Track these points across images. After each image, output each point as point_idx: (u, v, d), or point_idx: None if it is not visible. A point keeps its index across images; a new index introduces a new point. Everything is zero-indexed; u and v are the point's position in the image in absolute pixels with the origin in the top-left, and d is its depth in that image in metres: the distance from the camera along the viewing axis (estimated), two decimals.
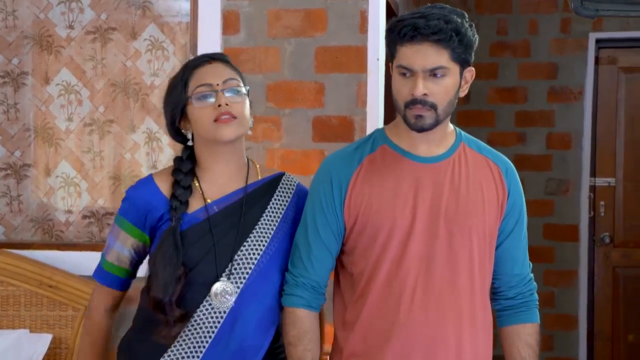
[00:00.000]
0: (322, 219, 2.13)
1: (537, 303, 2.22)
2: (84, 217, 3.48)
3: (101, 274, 2.26)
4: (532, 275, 2.23)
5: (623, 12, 3.38)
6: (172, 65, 3.37)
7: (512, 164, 2.21)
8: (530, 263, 2.23)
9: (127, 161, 3.43)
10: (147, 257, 2.22)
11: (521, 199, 2.19)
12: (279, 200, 2.22)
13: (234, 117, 2.11)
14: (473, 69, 2.08)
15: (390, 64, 2.12)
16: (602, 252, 5.24)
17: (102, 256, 2.26)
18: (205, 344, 2.09)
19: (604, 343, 5.22)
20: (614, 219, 5.22)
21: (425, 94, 2.00)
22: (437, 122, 2.04)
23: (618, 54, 5.24)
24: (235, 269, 2.11)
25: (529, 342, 2.18)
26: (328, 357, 2.26)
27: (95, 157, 3.47)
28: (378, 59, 3.11)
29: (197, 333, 2.09)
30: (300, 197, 2.26)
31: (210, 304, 2.10)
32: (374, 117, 3.11)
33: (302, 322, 2.14)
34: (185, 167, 2.18)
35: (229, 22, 3.29)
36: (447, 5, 2.06)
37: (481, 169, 2.13)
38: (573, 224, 5.26)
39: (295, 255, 2.17)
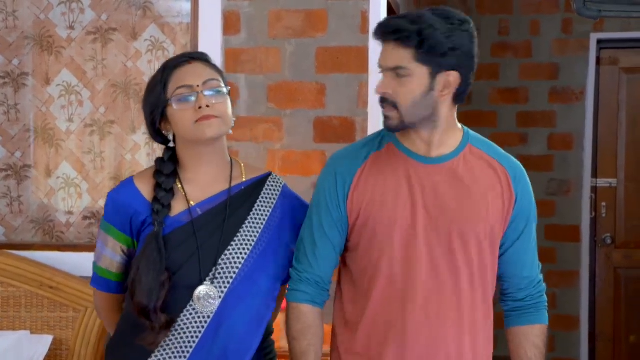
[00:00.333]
0: (327, 215, 2.13)
1: (547, 304, 2.20)
2: (85, 218, 3.47)
3: (97, 280, 2.23)
4: (541, 276, 2.21)
5: (625, 12, 3.37)
6: None
7: (522, 168, 2.16)
8: (540, 264, 2.22)
9: (128, 162, 3.42)
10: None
11: (530, 203, 2.14)
12: (264, 202, 2.18)
13: (216, 117, 2.07)
14: (455, 73, 2.01)
15: None
16: (603, 252, 5.24)
17: (95, 263, 2.23)
18: (189, 348, 2.06)
19: (605, 344, 5.21)
20: (616, 220, 5.21)
21: (384, 92, 2.02)
22: (402, 123, 2.03)
23: (619, 55, 5.23)
24: (220, 273, 2.08)
25: (536, 343, 2.17)
26: (329, 358, 2.25)
27: (96, 158, 3.46)
28: None
29: (182, 337, 2.07)
30: (286, 199, 2.22)
31: (194, 309, 2.07)
32: (375, 118, 3.10)
33: (305, 317, 2.13)
34: (167, 169, 2.14)
35: (230, 23, 3.29)
36: (450, 9, 2.03)
37: (487, 172, 2.10)
38: (574, 225, 5.25)
39: (300, 251, 2.17)
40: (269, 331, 2.23)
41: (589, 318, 5.22)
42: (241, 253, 2.11)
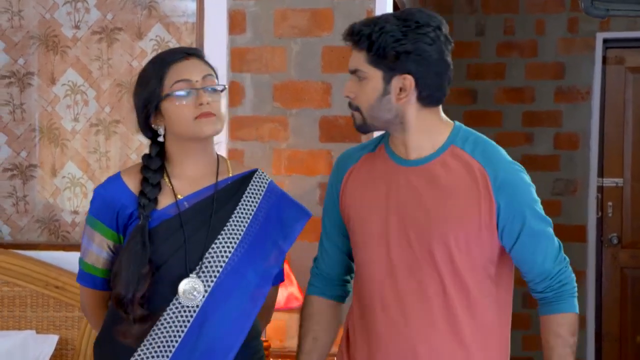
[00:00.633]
0: (327, 215, 2.20)
1: (574, 292, 2.14)
2: None
3: (83, 276, 2.21)
4: (561, 268, 2.14)
5: (633, 12, 3.35)
6: None
7: (514, 174, 2.05)
8: (566, 257, 2.17)
9: (133, 161, 3.42)
10: None
11: (521, 206, 2.04)
12: (250, 196, 2.17)
13: (213, 115, 2.08)
14: (409, 77, 1.97)
15: None
16: (609, 252, 5.22)
17: (81, 259, 2.21)
18: (174, 343, 2.04)
19: (612, 344, 5.20)
20: (622, 220, 5.20)
21: (347, 95, 2.05)
22: (366, 125, 2.04)
23: (625, 54, 5.22)
24: (206, 266, 2.07)
25: (558, 332, 2.12)
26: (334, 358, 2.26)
27: (101, 158, 3.46)
28: None
29: (167, 332, 2.05)
30: (272, 195, 2.21)
31: (179, 302, 2.06)
32: None
33: (311, 305, 2.22)
34: (154, 165, 2.13)
35: (235, 22, 3.28)
36: (418, 11, 2.00)
37: (465, 176, 2.02)
38: (580, 225, 5.24)
39: (318, 249, 2.24)
40: (257, 331, 2.21)
41: (596, 318, 5.20)
42: (228, 246, 2.10)
